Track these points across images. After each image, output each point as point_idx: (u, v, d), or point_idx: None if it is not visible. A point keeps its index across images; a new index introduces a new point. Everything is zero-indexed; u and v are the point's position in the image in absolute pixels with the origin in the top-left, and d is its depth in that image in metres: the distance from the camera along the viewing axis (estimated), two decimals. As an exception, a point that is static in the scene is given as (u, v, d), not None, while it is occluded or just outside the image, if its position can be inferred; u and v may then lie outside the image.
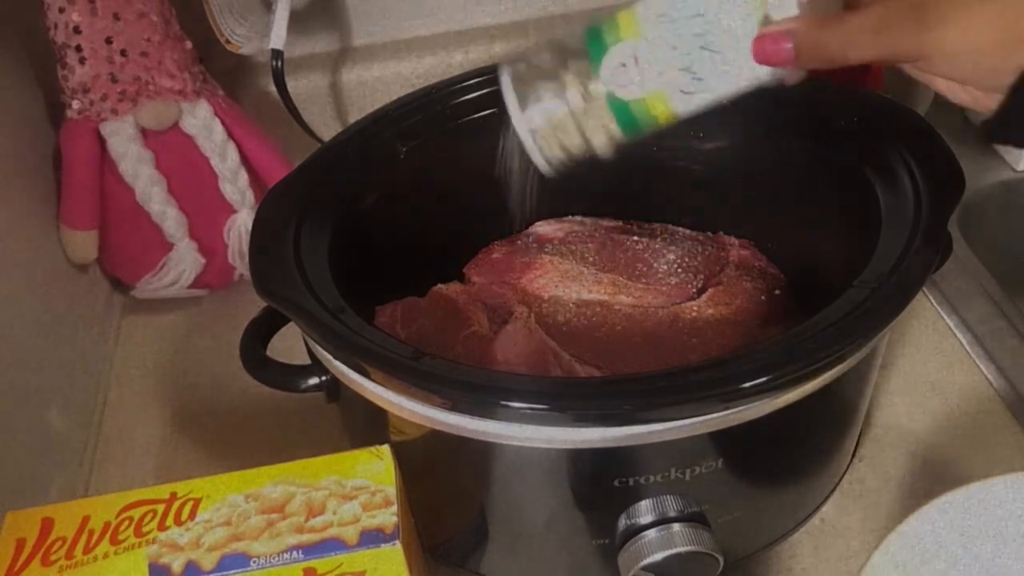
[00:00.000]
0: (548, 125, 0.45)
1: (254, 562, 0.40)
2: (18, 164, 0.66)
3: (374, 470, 0.43)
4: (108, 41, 0.65)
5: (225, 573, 0.39)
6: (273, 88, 0.75)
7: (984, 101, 0.41)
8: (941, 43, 0.39)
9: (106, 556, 0.40)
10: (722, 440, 0.44)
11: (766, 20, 0.42)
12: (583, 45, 0.45)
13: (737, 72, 0.43)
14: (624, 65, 0.44)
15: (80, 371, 0.67)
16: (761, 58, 0.42)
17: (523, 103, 0.45)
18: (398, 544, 0.40)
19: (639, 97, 0.44)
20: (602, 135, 0.46)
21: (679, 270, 0.60)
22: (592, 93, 0.44)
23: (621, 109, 0.45)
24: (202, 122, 0.69)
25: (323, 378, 0.49)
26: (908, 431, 0.61)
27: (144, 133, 0.68)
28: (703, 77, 0.43)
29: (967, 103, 0.42)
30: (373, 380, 0.45)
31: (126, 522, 0.42)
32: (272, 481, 0.43)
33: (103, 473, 0.63)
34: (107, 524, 0.42)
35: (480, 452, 0.45)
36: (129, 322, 0.75)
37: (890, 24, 0.40)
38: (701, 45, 0.43)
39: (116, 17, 0.65)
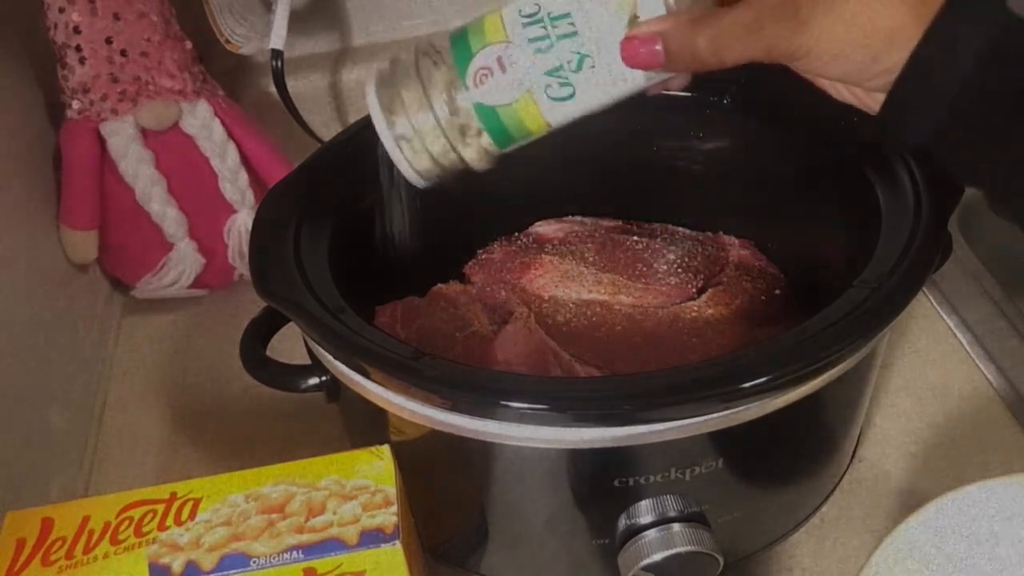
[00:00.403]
0: (415, 135, 0.43)
1: (254, 562, 0.40)
2: (18, 164, 0.66)
3: (374, 470, 0.43)
4: (108, 41, 0.65)
5: (225, 573, 0.39)
6: (273, 88, 0.75)
7: (866, 100, 0.41)
8: (813, 42, 0.39)
9: (106, 556, 0.40)
10: (722, 440, 0.44)
11: (634, 20, 0.40)
12: (449, 49, 0.42)
13: (608, 77, 0.41)
14: (489, 69, 0.41)
15: (80, 371, 0.67)
16: (630, 61, 0.41)
17: (388, 111, 0.43)
18: (398, 544, 0.40)
19: (506, 103, 0.42)
20: (473, 147, 0.43)
21: (679, 270, 0.60)
22: (459, 100, 0.42)
23: (489, 116, 0.42)
24: (202, 122, 0.69)
25: (323, 378, 0.49)
26: (908, 431, 0.61)
27: (144, 133, 0.68)
28: (573, 83, 0.41)
29: (852, 102, 0.42)
30: (373, 380, 0.44)
31: (126, 522, 0.42)
32: (272, 481, 0.43)
33: (103, 473, 0.63)
34: (107, 524, 0.42)
35: (480, 452, 0.45)
36: (129, 322, 0.75)
37: (763, 23, 0.39)
38: (570, 48, 0.41)
39: (116, 17, 0.65)
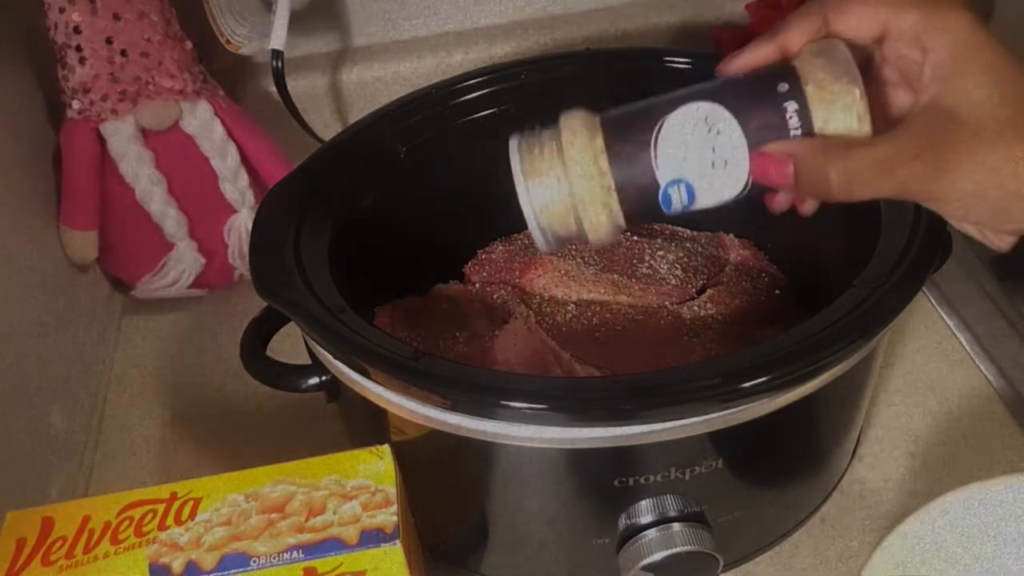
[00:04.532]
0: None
1: (254, 562, 0.40)
2: (18, 164, 0.66)
3: (374, 470, 0.43)
4: (108, 41, 0.65)
5: (225, 573, 0.39)
6: (273, 88, 0.75)
7: (993, 239, 0.40)
8: (951, 190, 0.37)
9: (106, 556, 0.40)
10: (722, 440, 0.44)
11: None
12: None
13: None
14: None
15: (80, 371, 0.67)
16: (759, 175, 0.41)
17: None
18: (398, 544, 0.40)
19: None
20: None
21: (679, 270, 0.60)
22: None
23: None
24: (202, 122, 0.69)
25: (323, 378, 0.49)
26: (908, 431, 0.61)
27: (144, 133, 0.68)
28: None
29: (976, 236, 0.41)
30: (373, 380, 0.45)
31: (126, 522, 0.42)
32: (272, 481, 0.43)
33: (103, 473, 0.63)
34: (107, 524, 0.42)
35: (480, 452, 0.45)
36: (129, 322, 0.75)
37: (900, 164, 0.37)
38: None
39: (116, 17, 0.65)
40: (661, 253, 0.62)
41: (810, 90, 0.39)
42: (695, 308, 0.58)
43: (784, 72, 0.40)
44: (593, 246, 0.44)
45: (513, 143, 0.44)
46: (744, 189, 0.42)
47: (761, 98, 0.40)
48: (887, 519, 0.56)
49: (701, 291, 0.60)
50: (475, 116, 0.61)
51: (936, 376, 0.64)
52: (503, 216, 0.60)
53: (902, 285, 0.44)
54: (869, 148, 0.38)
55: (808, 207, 0.44)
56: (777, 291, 0.60)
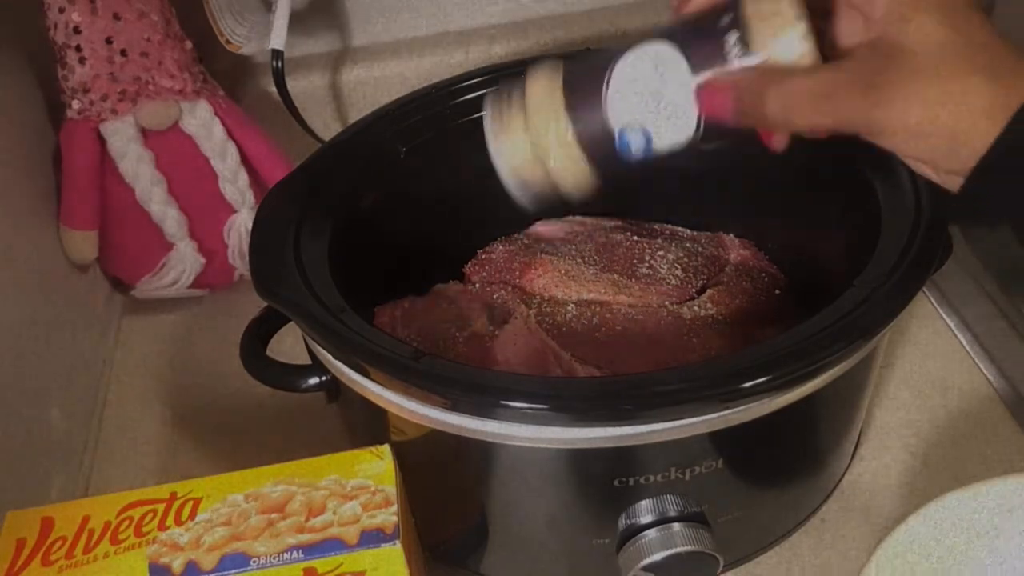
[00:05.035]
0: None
1: (254, 562, 0.40)
2: (18, 164, 0.66)
3: (374, 470, 0.43)
4: (108, 41, 0.65)
5: (225, 573, 0.39)
6: (273, 88, 0.75)
7: (944, 179, 0.40)
8: (891, 124, 0.37)
9: (106, 556, 0.40)
10: (722, 440, 0.44)
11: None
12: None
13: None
14: None
15: (80, 371, 0.67)
16: (705, 109, 0.41)
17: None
18: (398, 544, 0.40)
19: None
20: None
21: (679, 270, 0.60)
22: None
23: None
24: (202, 122, 0.69)
25: (323, 378, 0.49)
26: (908, 431, 0.61)
27: (144, 133, 0.68)
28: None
29: (932, 177, 0.41)
30: (373, 380, 0.45)
31: (126, 522, 0.42)
32: (272, 481, 0.43)
33: (103, 473, 0.63)
34: (107, 524, 0.42)
35: (480, 452, 0.45)
36: (129, 322, 0.75)
37: (839, 93, 0.38)
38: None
39: (116, 17, 0.64)
40: (661, 253, 0.61)
41: (752, 21, 0.39)
42: (695, 308, 0.58)
43: (729, 5, 0.41)
44: (571, 197, 0.45)
45: (487, 100, 0.45)
46: (698, 128, 0.42)
47: (704, 32, 0.41)
48: (887, 519, 0.56)
49: (701, 291, 0.60)
50: (475, 116, 0.61)
51: (936, 376, 0.64)
52: (503, 216, 0.60)
53: (902, 285, 0.44)
54: (808, 76, 0.38)
55: (777, 143, 0.44)
56: (777, 291, 0.60)
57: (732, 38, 0.40)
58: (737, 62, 0.40)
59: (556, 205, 0.47)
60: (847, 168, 0.53)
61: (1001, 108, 0.36)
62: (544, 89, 0.43)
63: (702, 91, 0.41)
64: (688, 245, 0.63)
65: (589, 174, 0.44)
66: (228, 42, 0.71)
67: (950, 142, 0.37)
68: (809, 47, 0.39)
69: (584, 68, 0.43)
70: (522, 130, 0.44)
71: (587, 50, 0.66)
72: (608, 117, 0.42)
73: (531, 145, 0.43)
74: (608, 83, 0.42)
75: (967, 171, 0.38)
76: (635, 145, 0.43)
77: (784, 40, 0.39)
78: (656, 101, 0.41)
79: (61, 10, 0.64)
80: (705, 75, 0.41)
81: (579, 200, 0.46)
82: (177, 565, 0.40)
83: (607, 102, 0.42)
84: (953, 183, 0.39)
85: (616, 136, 0.43)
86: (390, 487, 0.42)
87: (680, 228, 0.65)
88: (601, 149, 0.43)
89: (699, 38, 0.41)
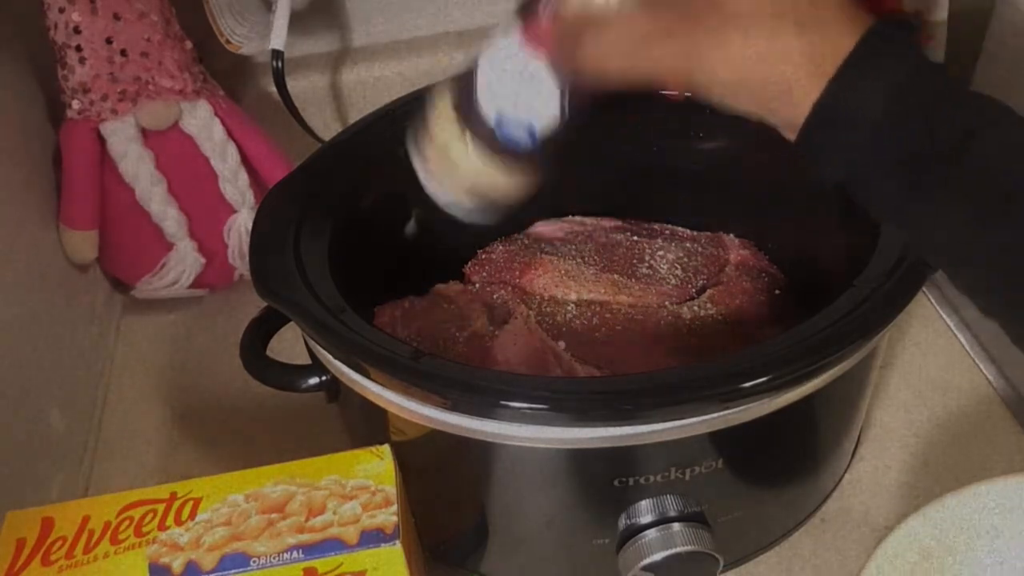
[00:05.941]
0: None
1: (254, 562, 0.40)
2: (18, 164, 0.66)
3: (374, 470, 0.43)
4: (108, 41, 0.65)
5: (225, 573, 0.39)
6: (273, 88, 0.75)
7: (791, 137, 0.39)
8: (707, 73, 0.36)
9: (106, 556, 0.40)
10: (722, 440, 0.44)
11: None
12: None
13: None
14: None
15: (80, 371, 0.67)
16: (528, 44, 0.40)
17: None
18: (398, 544, 0.40)
19: None
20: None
21: (679, 270, 0.60)
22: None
23: None
24: (202, 122, 0.69)
25: (323, 378, 0.49)
26: (908, 431, 0.61)
27: (144, 133, 0.68)
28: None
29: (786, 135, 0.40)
30: (373, 380, 0.45)
31: (126, 522, 0.42)
32: (272, 481, 0.43)
33: (103, 473, 0.63)
34: (107, 524, 0.42)
35: (480, 452, 0.45)
36: (129, 322, 0.75)
37: (655, 41, 0.37)
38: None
39: (116, 17, 0.65)
40: (661, 253, 0.61)
41: None
42: (695, 308, 0.58)
43: None
44: (506, 202, 0.46)
45: (407, 139, 0.46)
46: (563, 91, 0.42)
47: None
48: (887, 519, 0.56)
49: (701, 291, 0.60)
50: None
51: (936, 376, 0.64)
52: (503, 216, 0.60)
53: (902, 285, 0.44)
54: (624, 22, 0.37)
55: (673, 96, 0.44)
56: (777, 291, 0.60)
57: None
58: (549, 8, 0.40)
59: (514, 211, 0.48)
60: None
61: (816, 62, 0.35)
62: (440, 114, 0.44)
63: (528, 44, 0.41)
64: (688, 245, 0.63)
65: (514, 176, 0.45)
66: (228, 42, 0.71)
67: (765, 90, 0.36)
68: None
69: (465, 80, 0.44)
70: (437, 159, 0.45)
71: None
72: (487, 117, 0.43)
73: (450, 171, 0.45)
74: (475, 82, 0.43)
75: (798, 126, 0.37)
76: (516, 132, 0.43)
77: None
78: (515, 81, 0.42)
79: (61, 10, 0.64)
80: (530, 31, 0.41)
81: (521, 200, 0.46)
82: (177, 565, 0.40)
83: (480, 103, 0.43)
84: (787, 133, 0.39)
85: (496, 130, 0.43)
86: (390, 487, 0.42)
87: (680, 228, 0.65)
88: (500, 146, 0.44)
89: (527, 2, 0.42)
